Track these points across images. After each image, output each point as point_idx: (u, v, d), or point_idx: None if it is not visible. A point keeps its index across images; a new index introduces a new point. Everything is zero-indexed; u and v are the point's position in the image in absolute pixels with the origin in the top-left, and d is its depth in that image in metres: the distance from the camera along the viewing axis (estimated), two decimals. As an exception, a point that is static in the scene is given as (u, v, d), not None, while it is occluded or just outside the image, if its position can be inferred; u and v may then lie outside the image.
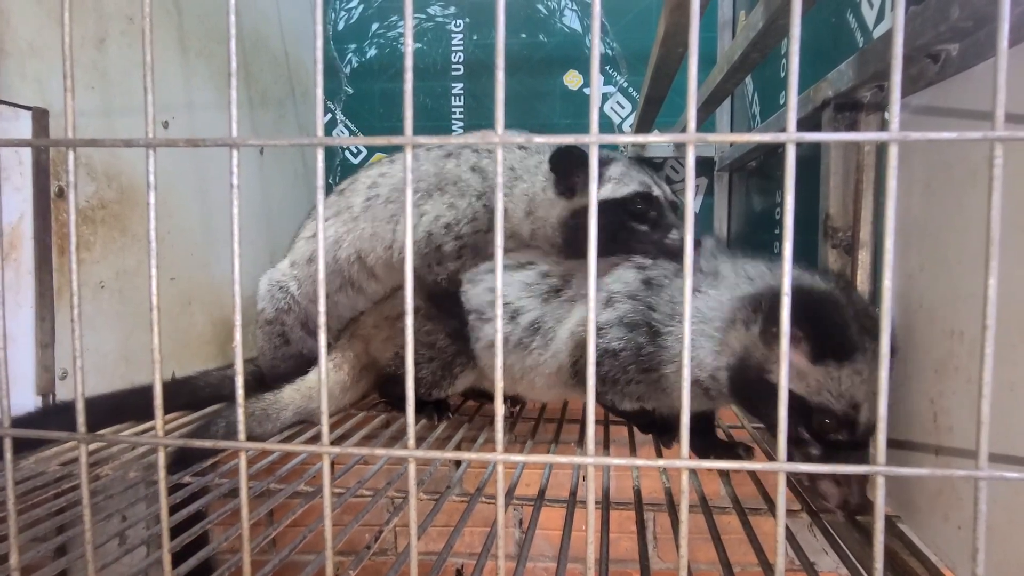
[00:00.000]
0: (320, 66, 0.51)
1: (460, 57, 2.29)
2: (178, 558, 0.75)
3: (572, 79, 2.27)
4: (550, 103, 2.26)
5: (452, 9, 2.28)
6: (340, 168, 2.36)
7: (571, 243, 1.20)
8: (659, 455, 1.20)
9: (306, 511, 0.93)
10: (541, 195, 1.22)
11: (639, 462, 0.50)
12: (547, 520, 1.34)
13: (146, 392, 1.20)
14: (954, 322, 0.75)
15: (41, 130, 1.15)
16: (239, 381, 0.52)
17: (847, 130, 1.01)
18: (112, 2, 1.32)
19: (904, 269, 0.87)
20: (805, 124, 1.13)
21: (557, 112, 2.26)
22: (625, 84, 2.25)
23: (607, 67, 2.24)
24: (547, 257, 1.21)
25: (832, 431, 0.81)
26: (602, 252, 1.16)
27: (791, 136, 0.44)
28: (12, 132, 1.11)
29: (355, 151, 2.36)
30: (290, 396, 1.29)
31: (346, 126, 2.35)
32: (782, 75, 1.72)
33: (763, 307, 0.88)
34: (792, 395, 0.82)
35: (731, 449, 1.11)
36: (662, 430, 1.17)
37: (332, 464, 0.80)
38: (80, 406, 0.54)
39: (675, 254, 1.08)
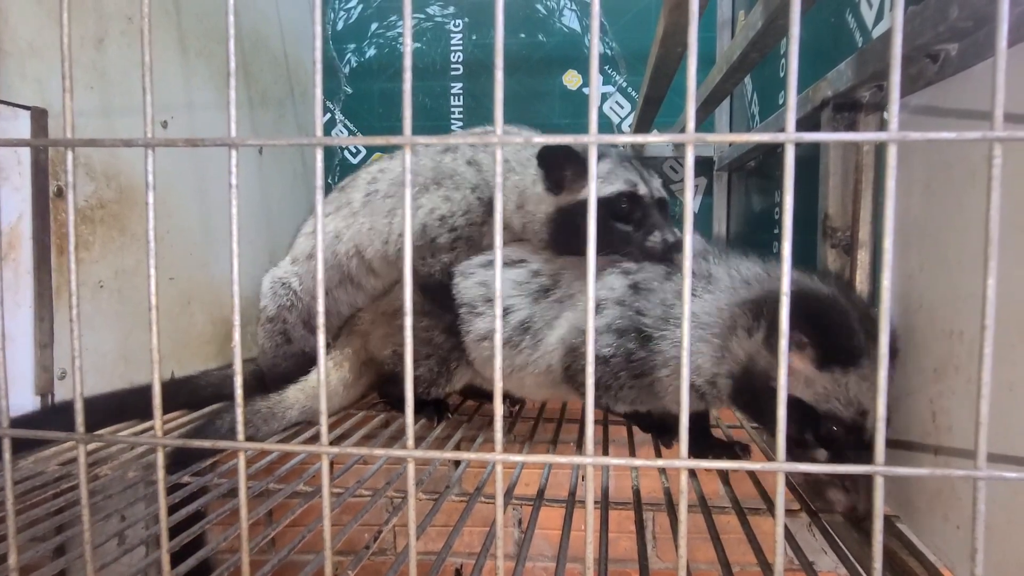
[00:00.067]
0: (319, 66, 0.51)
1: (459, 57, 2.29)
2: (176, 558, 0.75)
3: (571, 79, 2.27)
4: (549, 103, 2.26)
5: (451, 9, 2.28)
6: (339, 168, 2.36)
7: (557, 240, 1.19)
8: (658, 455, 1.20)
9: (305, 511, 0.93)
10: (531, 189, 1.21)
11: (638, 462, 0.50)
12: (546, 520, 1.34)
13: (146, 392, 1.19)
14: (953, 322, 0.75)
15: (40, 130, 1.15)
16: (238, 381, 0.52)
17: (846, 130, 1.01)
18: (111, 2, 1.32)
19: (904, 269, 0.87)
20: (804, 124, 1.13)
21: (556, 112, 2.26)
22: (624, 84, 2.25)
23: (606, 67, 2.24)
24: (538, 254, 1.20)
25: (840, 438, 0.80)
26: (585, 251, 1.16)
27: (790, 136, 0.44)
28: (11, 132, 1.11)
29: (354, 151, 2.36)
30: (295, 396, 1.30)
31: (345, 126, 2.35)
32: (781, 75, 1.72)
33: (765, 313, 0.87)
34: (800, 403, 0.81)
35: (729, 449, 1.11)
36: (661, 430, 1.17)
37: (331, 464, 0.80)
38: (79, 406, 0.54)
39: (656, 256, 1.07)
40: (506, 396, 1.41)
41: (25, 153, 1.14)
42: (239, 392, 0.53)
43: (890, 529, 0.86)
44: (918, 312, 0.84)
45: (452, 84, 2.30)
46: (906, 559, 0.80)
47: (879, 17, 1.10)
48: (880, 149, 0.99)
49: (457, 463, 1.18)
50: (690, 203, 0.47)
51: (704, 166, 2.24)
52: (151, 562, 0.76)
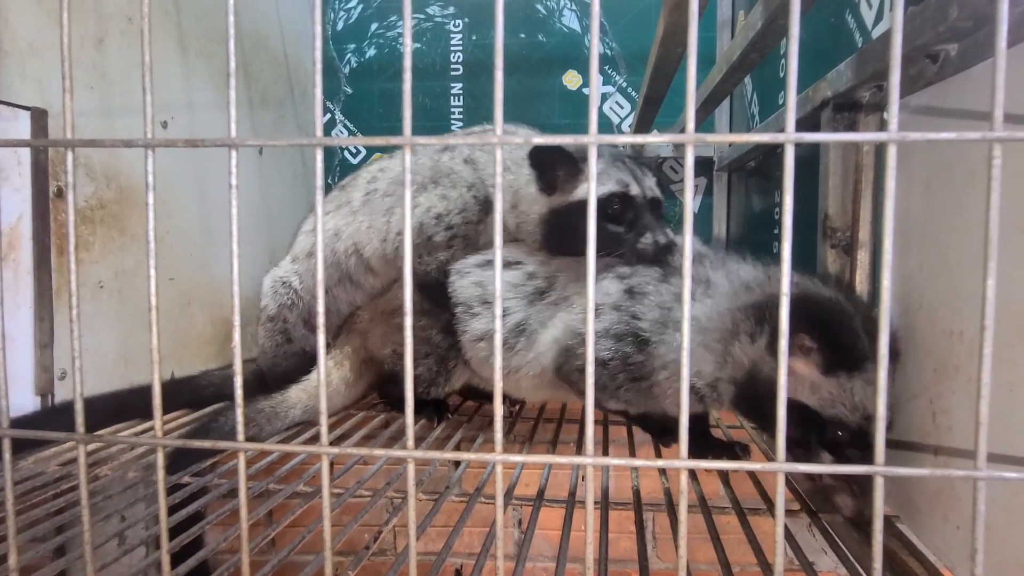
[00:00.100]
0: (319, 66, 0.51)
1: (459, 57, 2.29)
2: (176, 559, 0.75)
3: (571, 79, 2.27)
4: (549, 103, 2.26)
5: (451, 9, 2.28)
6: (339, 168, 2.36)
7: (550, 241, 1.18)
8: (658, 455, 1.20)
9: (305, 511, 0.93)
10: (525, 189, 1.20)
11: (638, 462, 0.50)
12: (546, 520, 1.34)
13: (147, 392, 1.19)
14: (953, 322, 0.75)
15: (40, 130, 1.15)
16: (238, 382, 0.52)
17: (846, 130, 1.01)
18: (111, 2, 1.32)
19: (904, 269, 0.87)
20: (804, 124, 1.13)
21: (556, 112, 2.26)
22: (624, 84, 2.25)
23: (606, 67, 2.24)
24: (534, 256, 1.20)
25: (846, 443, 0.80)
26: (579, 253, 1.16)
27: (790, 136, 0.44)
28: (11, 132, 1.11)
29: (354, 151, 2.36)
30: (297, 395, 1.31)
31: (345, 126, 2.35)
32: (781, 75, 1.72)
33: (768, 318, 0.86)
34: (805, 408, 0.81)
35: (729, 449, 1.10)
36: (661, 431, 1.17)
37: (331, 464, 0.80)
38: (79, 406, 0.54)
39: (648, 258, 1.06)
40: (506, 397, 1.41)
41: (25, 153, 1.14)
42: (239, 392, 0.53)
43: (890, 529, 0.86)
44: (918, 312, 0.84)
45: (452, 84, 2.30)
46: (906, 559, 0.80)
47: (879, 17, 1.10)
48: (880, 149, 0.99)
49: (457, 463, 1.18)
50: (690, 203, 0.47)
51: (704, 166, 2.24)
52: (151, 563, 0.76)
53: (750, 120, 2.04)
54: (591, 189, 0.47)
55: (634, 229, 1.09)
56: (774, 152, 1.76)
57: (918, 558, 0.80)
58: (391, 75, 2.33)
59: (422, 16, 2.29)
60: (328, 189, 1.54)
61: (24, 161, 1.15)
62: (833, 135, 0.46)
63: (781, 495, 0.47)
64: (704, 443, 1.12)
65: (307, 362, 1.42)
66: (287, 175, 2.08)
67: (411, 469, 0.51)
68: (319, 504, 0.56)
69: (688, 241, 0.46)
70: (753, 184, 2.04)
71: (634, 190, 1.12)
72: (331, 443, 0.52)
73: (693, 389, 0.92)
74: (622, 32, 2.22)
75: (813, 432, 0.82)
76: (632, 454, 1.21)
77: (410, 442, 0.51)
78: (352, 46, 2.33)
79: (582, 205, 1.12)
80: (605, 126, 2.23)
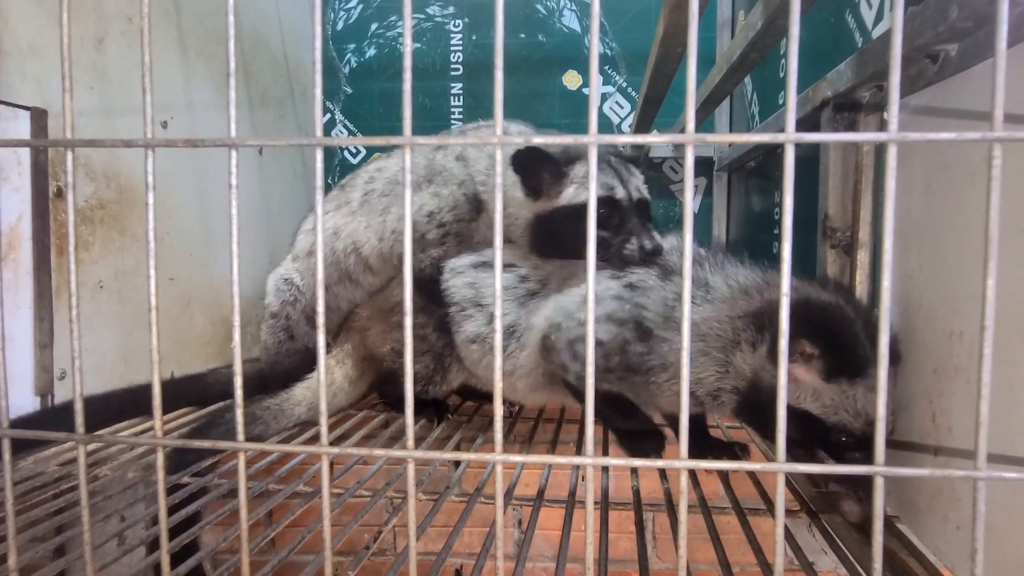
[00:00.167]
0: (319, 66, 0.51)
1: (459, 57, 2.29)
2: (174, 559, 0.75)
3: (571, 79, 2.27)
4: (549, 103, 2.26)
5: (451, 9, 2.28)
6: (339, 168, 2.36)
7: (538, 246, 1.18)
8: (658, 456, 1.20)
9: (305, 511, 0.93)
10: (511, 191, 1.20)
11: (638, 463, 0.50)
12: (546, 520, 1.34)
13: (150, 390, 1.20)
14: (953, 323, 0.75)
15: (40, 130, 1.15)
16: (238, 382, 0.52)
17: (846, 130, 1.01)
18: (111, 2, 1.32)
19: (903, 270, 0.87)
20: (804, 124, 1.13)
21: (556, 112, 2.26)
22: (624, 84, 2.25)
23: (606, 67, 2.24)
24: (527, 259, 1.19)
25: (850, 449, 0.80)
26: (568, 256, 1.15)
27: (790, 137, 0.44)
28: (11, 132, 1.11)
29: (354, 151, 2.36)
30: (302, 393, 1.32)
31: (345, 126, 2.35)
32: (781, 75, 1.72)
33: (768, 326, 0.85)
34: (810, 416, 0.81)
35: (728, 449, 1.10)
36: (634, 436, 1.10)
37: (331, 464, 0.80)
38: (79, 407, 0.54)
39: (634, 264, 1.04)
40: (506, 398, 1.41)
41: (25, 153, 1.14)
42: (239, 393, 0.53)
43: (890, 529, 0.86)
44: (918, 313, 0.84)
45: (452, 84, 2.30)
46: (906, 559, 0.80)
47: (879, 17, 1.10)
48: (880, 149, 0.99)
49: (457, 463, 1.18)
50: (690, 203, 0.47)
51: (704, 166, 2.24)
52: (150, 564, 0.76)
53: (750, 120, 2.04)
54: (591, 189, 0.47)
55: (620, 234, 1.07)
56: (774, 152, 1.76)
57: (918, 558, 0.80)
58: (391, 75, 2.33)
59: (422, 16, 2.29)
60: (328, 189, 1.55)
61: (24, 161, 1.15)
62: (833, 135, 0.46)
63: (781, 495, 0.47)
64: (703, 443, 1.12)
65: (309, 360, 1.43)
66: (287, 175, 2.08)
67: (411, 469, 0.51)
68: (319, 504, 0.56)
69: (688, 241, 0.46)
70: (753, 184, 2.04)
71: (619, 193, 1.10)
72: (331, 443, 0.52)
73: (693, 395, 0.91)
74: (622, 32, 2.22)
75: (818, 439, 0.81)
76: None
77: (410, 442, 0.51)
78: (352, 46, 2.33)
79: (568, 211, 1.11)
80: (605, 126, 2.23)
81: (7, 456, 0.56)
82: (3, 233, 1.13)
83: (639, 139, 0.51)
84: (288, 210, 2.02)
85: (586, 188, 1.11)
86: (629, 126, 2.23)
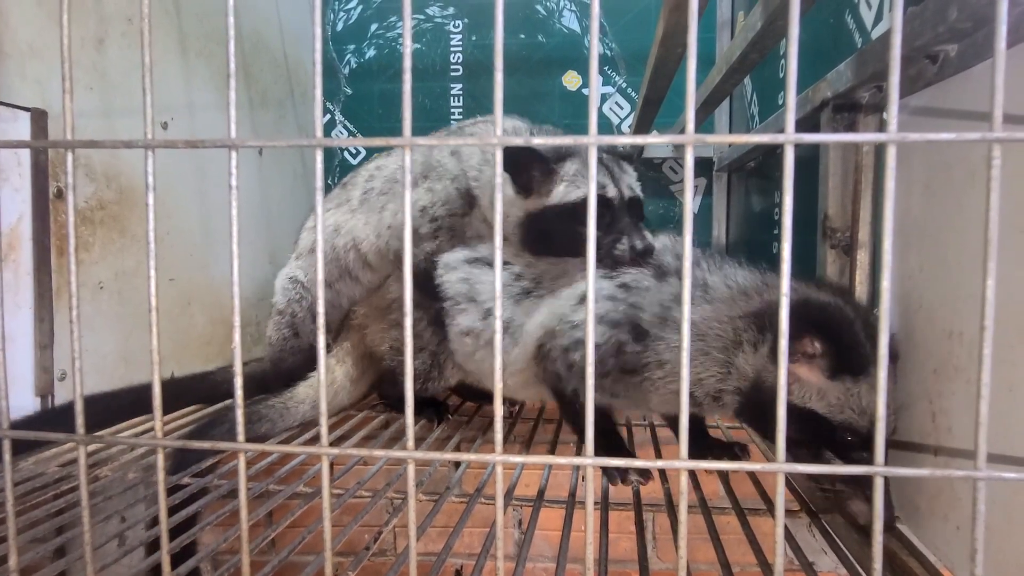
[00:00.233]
0: (319, 67, 0.51)
1: (459, 58, 2.29)
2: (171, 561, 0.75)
3: (571, 80, 2.27)
4: (549, 104, 2.26)
5: (451, 10, 2.29)
6: (339, 169, 2.36)
7: (528, 245, 1.17)
8: (658, 456, 1.20)
9: (305, 512, 0.93)
10: (502, 187, 1.20)
11: (638, 463, 0.50)
12: (546, 521, 1.34)
13: (142, 389, 1.20)
14: (953, 323, 0.75)
15: (40, 131, 1.15)
16: (238, 383, 0.52)
17: (846, 131, 1.01)
18: (112, 3, 1.32)
19: (903, 270, 0.87)
20: (804, 125, 1.13)
21: (556, 113, 2.27)
22: (624, 85, 2.25)
23: (606, 68, 2.24)
24: (520, 257, 1.19)
25: (855, 448, 0.79)
26: (558, 254, 1.15)
27: (789, 137, 0.44)
28: (11, 133, 1.11)
29: (354, 152, 2.36)
30: (305, 392, 1.33)
31: (345, 127, 2.35)
32: (781, 76, 1.72)
33: (770, 326, 0.85)
34: (815, 415, 0.80)
35: (728, 449, 1.10)
36: (613, 443, 1.09)
37: (331, 465, 0.80)
38: (79, 407, 0.54)
39: (624, 264, 1.03)
40: (506, 398, 1.41)
41: (25, 154, 1.14)
42: (239, 393, 0.53)
43: (890, 529, 0.86)
44: (918, 313, 0.84)
45: (452, 85, 2.30)
46: (906, 559, 0.80)
47: (878, 18, 1.10)
48: (880, 150, 0.99)
49: (457, 464, 1.18)
50: (690, 204, 0.47)
51: (704, 167, 2.24)
52: (149, 564, 0.76)
53: (750, 120, 2.04)
54: (591, 190, 0.47)
55: (611, 234, 1.06)
56: (774, 152, 1.76)
57: (918, 558, 0.80)
58: (391, 76, 2.33)
59: (422, 17, 2.29)
60: (328, 190, 1.56)
61: (24, 162, 1.15)
62: (833, 136, 0.46)
63: (781, 495, 0.47)
64: (703, 443, 1.12)
65: (313, 359, 1.44)
66: (287, 176, 2.08)
67: (411, 470, 0.51)
68: (319, 505, 0.56)
69: (688, 242, 0.46)
70: (753, 184, 2.04)
71: (611, 192, 1.10)
72: (331, 444, 0.52)
73: (692, 396, 0.90)
74: (622, 33, 2.22)
75: (824, 439, 0.81)
76: (632, 455, 1.21)
77: (410, 443, 0.51)
78: (352, 47, 2.33)
79: (558, 210, 1.11)
80: (605, 127, 2.23)
81: (7, 457, 0.56)
82: (3, 234, 1.13)
83: (639, 140, 0.51)
84: (288, 211, 2.02)
85: (576, 187, 1.11)
86: (629, 126, 2.23)
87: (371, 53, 2.32)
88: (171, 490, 0.93)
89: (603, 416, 1.07)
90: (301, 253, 1.57)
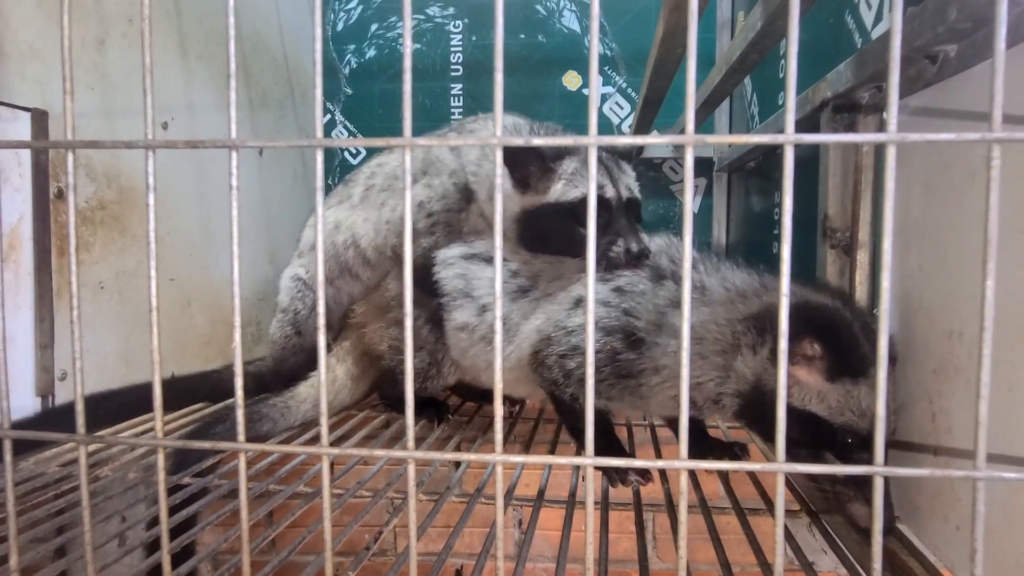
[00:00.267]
0: (319, 67, 0.51)
1: (459, 58, 2.29)
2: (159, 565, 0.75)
3: (571, 80, 2.27)
4: (549, 104, 2.27)
5: (451, 10, 2.29)
6: (339, 169, 2.36)
7: (524, 242, 1.17)
8: (658, 456, 1.20)
9: (306, 512, 0.93)
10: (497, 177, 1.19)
11: (638, 463, 0.50)
12: (546, 521, 1.34)
13: (164, 385, 1.20)
14: (953, 323, 0.75)
15: (40, 131, 1.15)
16: (238, 383, 0.52)
17: (845, 131, 1.01)
18: (112, 4, 1.32)
19: (903, 270, 0.87)
20: (804, 125, 1.13)
21: (556, 113, 2.27)
22: (624, 85, 2.25)
23: (606, 68, 2.24)
24: (517, 254, 1.19)
25: (855, 450, 0.79)
26: (554, 252, 1.15)
27: (789, 137, 0.44)
28: (11, 133, 1.11)
29: (354, 152, 2.36)
30: (306, 391, 1.34)
31: (345, 127, 2.35)
32: (781, 76, 1.72)
33: (769, 328, 0.85)
34: (816, 418, 0.80)
35: (728, 449, 1.10)
36: (616, 451, 1.08)
37: (332, 465, 0.80)
38: (79, 407, 0.54)
39: (620, 267, 1.02)
40: (506, 398, 1.41)
41: (25, 154, 1.15)
42: (239, 393, 0.53)
43: (890, 532, 0.86)
44: (918, 312, 0.84)
45: (452, 85, 2.30)
46: (906, 559, 0.80)
47: (878, 18, 1.10)
48: (880, 150, 0.99)
49: (457, 464, 1.18)
50: (690, 204, 0.47)
51: (704, 167, 2.24)
52: (149, 565, 0.76)
53: (750, 121, 2.04)
54: (591, 191, 0.47)
55: (607, 236, 1.05)
56: (774, 153, 1.76)
57: (918, 558, 0.80)
58: (391, 76, 2.33)
59: (422, 17, 2.29)
60: (328, 190, 1.56)
61: (24, 162, 1.15)
62: (832, 136, 0.46)
63: (781, 495, 0.47)
64: (703, 444, 1.11)
65: (314, 358, 1.44)
66: (287, 176, 2.09)
67: (411, 469, 0.51)
68: (319, 505, 0.56)
69: (688, 243, 0.46)
70: (753, 185, 2.04)
71: (609, 192, 1.08)
72: (331, 444, 0.52)
73: (691, 400, 0.90)
74: (622, 33, 2.22)
75: (825, 441, 0.81)
76: (632, 455, 1.21)
77: (411, 442, 0.51)
78: (352, 47, 2.33)
79: (556, 208, 1.10)
80: (605, 127, 2.23)
81: (9, 457, 0.56)
82: (4, 234, 1.13)
83: (639, 140, 0.51)
84: (288, 211, 2.03)
85: (574, 186, 1.10)
86: (629, 127, 2.23)
87: (371, 53, 2.33)
88: (171, 490, 0.93)
89: (601, 418, 1.07)
90: (303, 251, 1.58)
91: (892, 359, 0.86)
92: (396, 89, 2.32)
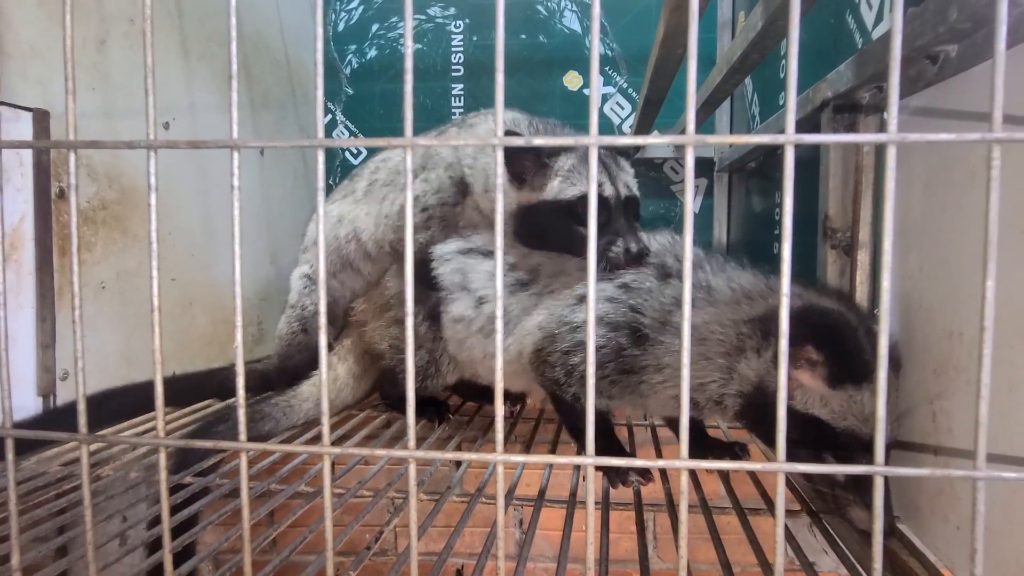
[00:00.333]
0: (320, 67, 0.51)
1: (460, 58, 2.29)
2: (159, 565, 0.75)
3: (572, 80, 2.27)
4: (550, 104, 2.27)
5: (452, 10, 2.29)
6: (340, 169, 2.36)
7: (521, 238, 1.16)
8: (658, 455, 1.20)
9: (307, 511, 0.93)
10: (496, 176, 1.19)
11: (639, 463, 0.50)
12: (547, 520, 1.34)
13: (167, 383, 1.20)
14: (953, 323, 0.76)
15: (42, 131, 1.15)
16: (240, 382, 0.53)
17: (846, 131, 1.01)
18: (113, 4, 1.33)
19: (904, 270, 0.87)
20: (804, 125, 1.13)
21: (557, 113, 2.27)
22: (625, 85, 2.25)
23: (607, 68, 2.24)
24: (515, 247, 1.18)
25: (858, 454, 0.79)
26: (551, 249, 1.14)
27: (790, 138, 0.44)
28: (13, 133, 1.12)
29: (355, 152, 2.36)
30: (309, 390, 1.35)
31: (346, 127, 2.35)
32: (781, 76, 1.72)
33: (773, 331, 0.84)
34: (818, 422, 0.80)
35: (728, 449, 1.10)
36: (616, 451, 1.08)
37: (333, 465, 0.80)
38: (81, 407, 0.54)
39: (619, 267, 1.01)
40: (507, 397, 1.41)
41: (27, 154, 1.15)
42: (241, 393, 0.53)
43: (891, 535, 0.86)
44: (918, 313, 0.84)
45: (453, 85, 2.30)
46: (906, 559, 0.80)
47: (879, 18, 1.10)
48: (880, 150, 0.99)
49: (458, 464, 1.18)
50: (690, 204, 0.47)
51: (704, 167, 2.24)
52: (150, 564, 0.76)
53: (751, 121, 2.04)
54: (591, 191, 0.47)
55: (606, 235, 1.03)
56: (774, 153, 1.76)
57: (918, 558, 0.80)
58: (392, 76, 2.33)
59: (423, 17, 2.29)
60: (329, 190, 1.56)
61: (26, 162, 1.15)
62: (833, 136, 0.46)
63: (781, 495, 0.47)
64: (703, 443, 1.11)
65: (317, 358, 1.45)
66: (288, 176, 2.09)
67: (412, 469, 0.51)
68: (320, 504, 0.56)
69: (688, 243, 0.46)
70: (754, 185, 2.04)
71: (608, 191, 1.07)
72: (333, 443, 0.52)
73: (692, 401, 0.90)
74: (623, 33, 2.22)
75: (828, 445, 0.81)
76: (633, 455, 1.21)
77: (412, 442, 0.52)
78: (353, 47, 2.33)
79: (553, 206, 1.09)
80: (606, 127, 2.23)
81: (11, 456, 0.56)
82: (6, 234, 1.13)
83: (640, 140, 0.51)
84: (289, 211, 2.03)
85: (572, 183, 1.09)
86: (630, 127, 2.23)
87: (372, 53, 2.33)
88: (173, 489, 0.93)
89: (601, 419, 1.07)
90: (307, 247, 1.60)
91: (896, 364, 0.85)
92: (397, 89, 2.32)
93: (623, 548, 1.53)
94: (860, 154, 1.00)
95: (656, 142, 0.49)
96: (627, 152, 1.22)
